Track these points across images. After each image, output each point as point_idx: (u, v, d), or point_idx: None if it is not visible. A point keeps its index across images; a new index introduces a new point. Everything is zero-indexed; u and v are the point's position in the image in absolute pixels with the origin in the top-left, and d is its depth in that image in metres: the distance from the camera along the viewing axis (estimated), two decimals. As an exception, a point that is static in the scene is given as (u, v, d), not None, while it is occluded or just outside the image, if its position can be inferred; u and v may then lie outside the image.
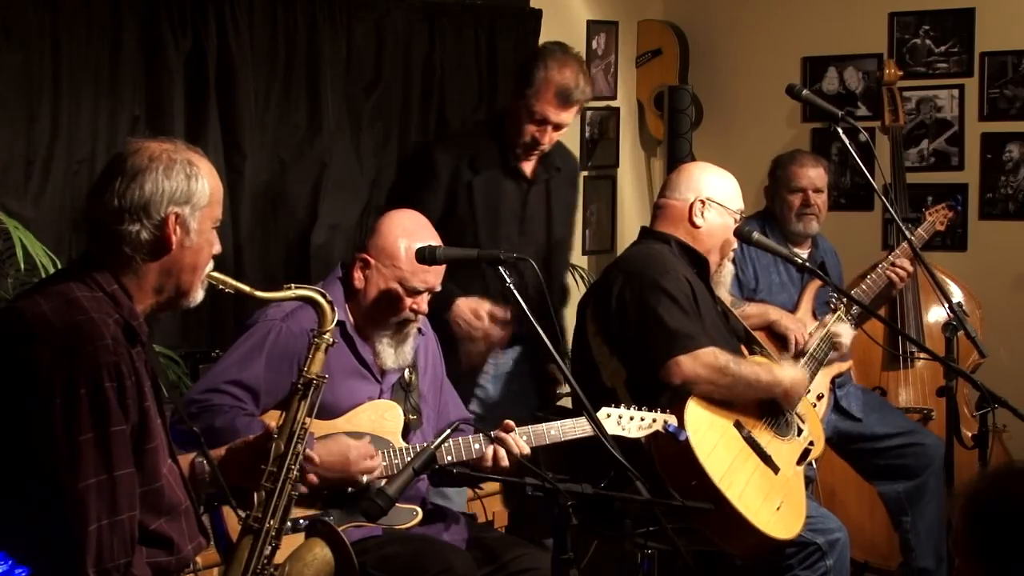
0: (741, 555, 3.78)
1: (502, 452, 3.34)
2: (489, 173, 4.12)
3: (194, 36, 4.56)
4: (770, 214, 4.94)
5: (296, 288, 2.75)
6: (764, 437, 3.82)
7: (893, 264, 4.75)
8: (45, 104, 4.20)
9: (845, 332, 4.22)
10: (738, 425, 3.78)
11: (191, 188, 2.54)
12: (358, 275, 3.41)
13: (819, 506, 4.01)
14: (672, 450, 3.58)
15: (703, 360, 3.67)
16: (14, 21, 4.10)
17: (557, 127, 4.12)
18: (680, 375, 3.66)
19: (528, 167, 4.22)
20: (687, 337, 3.67)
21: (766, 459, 3.76)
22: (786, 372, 3.90)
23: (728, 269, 3.96)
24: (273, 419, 2.77)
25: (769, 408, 3.88)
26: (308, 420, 2.71)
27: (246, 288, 2.67)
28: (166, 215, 2.51)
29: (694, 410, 3.67)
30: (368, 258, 3.40)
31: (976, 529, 1.95)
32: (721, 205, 3.91)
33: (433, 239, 3.42)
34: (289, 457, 2.66)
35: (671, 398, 3.65)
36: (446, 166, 4.08)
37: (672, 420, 3.54)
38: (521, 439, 3.38)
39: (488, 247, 3.96)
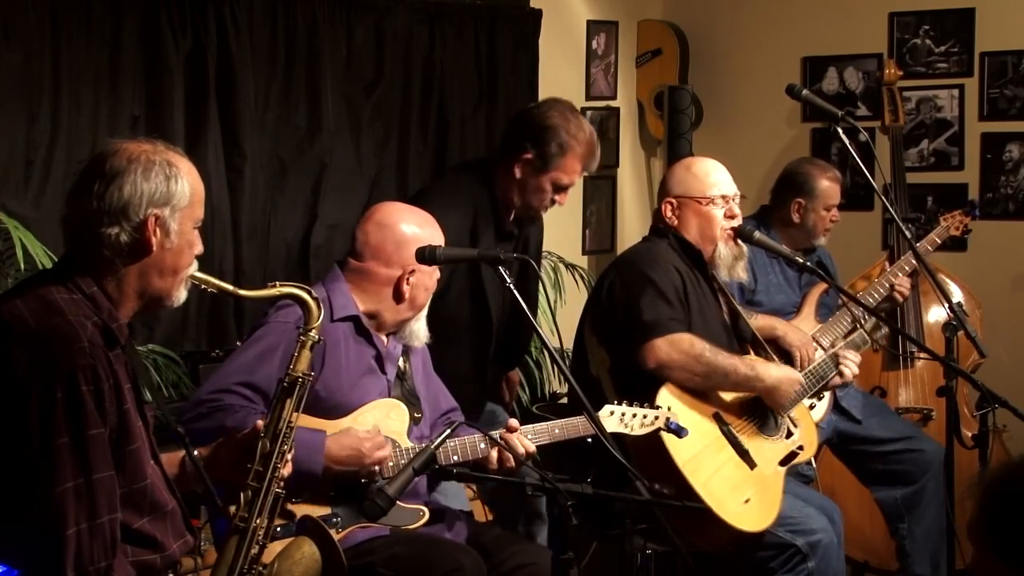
0: (712, 549, 3.76)
1: (506, 453, 3.35)
2: (486, 241, 3.99)
3: (194, 36, 4.56)
4: (771, 217, 4.90)
5: (280, 286, 2.75)
6: (746, 433, 3.83)
7: (892, 281, 4.76)
8: (45, 104, 4.20)
9: (852, 357, 4.19)
10: (717, 417, 3.80)
11: (170, 189, 2.51)
12: (405, 289, 3.45)
13: (804, 506, 3.97)
14: (651, 457, 3.58)
15: (678, 345, 3.71)
16: (14, 21, 4.10)
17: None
18: (655, 359, 3.70)
19: (512, 224, 4.12)
20: (664, 322, 3.73)
21: (743, 453, 3.78)
22: (771, 370, 3.90)
23: (722, 252, 3.95)
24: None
25: (756, 408, 3.88)
26: (295, 417, 2.69)
27: (229, 287, 2.67)
28: (145, 217, 2.49)
29: (665, 396, 3.69)
30: (414, 268, 3.43)
31: (994, 517, 1.95)
32: (688, 197, 3.94)
33: (434, 227, 3.49)
34: (275, 456, 2.65)
35: (649, 385, 3.67)
36: (453, 237, 3.83)
37: (675, 417, 3.55)
38: (526, 439, 3.40)
39: (487, 317, 3.98)
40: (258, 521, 2.63)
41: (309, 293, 2.76)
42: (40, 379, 2.36)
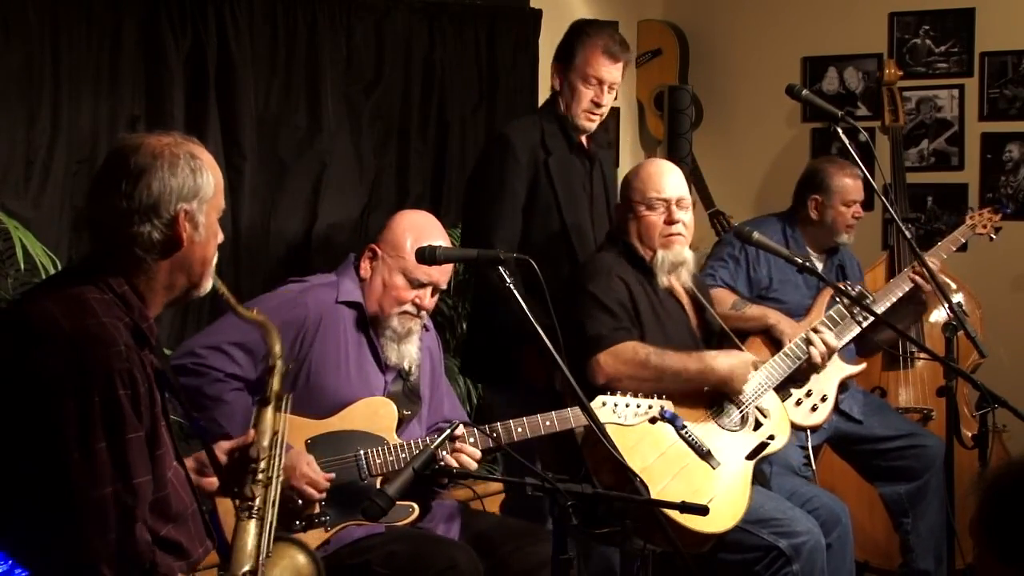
0: (681, 550, 3.73)
1: (464, 458, 3.35)
2: (559, 153, 4.22)
3: (194, 36, 4.56)
4: (796, 216, 4.87)
5: (258, 315, 2.77)
6: (706, 430, 3.78)
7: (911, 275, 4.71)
8: (45, 104, 4.20)
9: (822, 333, 4.11)
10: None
11: (197, 183, 2.51)
12: (364, 265, 3.49)
13: (793, 507, 3.95)
14: (598, 448, 3.54)
15: (622, 356, 3.69)
16: (14, 21, 4.10)
17: (611, 87, 4.27)
18: (602, 374, 3.68)
19: (584, 142, 4.33)
20: (605, 335, 3.71)
21: (703, 455, 3.73)
22: (721, 360, 3.85)
23: (661, 257, 3.92)
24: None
25: (716, 401, 3.86)
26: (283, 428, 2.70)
27: (232, 300, 2.69)
28: (176, 213, 2.48)
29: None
30: (376, 248, 3.49)
31: (992, 516, 1.95)
32: (630, 200, 3.95)
33: (442, 239, 3.49)
34: (275, 458, 2.65)
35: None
36: (524, 151, 4.17)
37: (668, 405, 3.52)
38: (468, 441, 3.39)
39: (571, 225, 4.15)
40: (272, 511, 2.61)
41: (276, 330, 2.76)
42: (77, 383, 2.34)
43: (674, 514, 3.53)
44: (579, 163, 4.28)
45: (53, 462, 2.34)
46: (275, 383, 2.68)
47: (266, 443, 2.63)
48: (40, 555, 2.36)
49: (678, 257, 3.93)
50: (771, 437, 3.89)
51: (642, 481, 2.97)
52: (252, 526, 2.57)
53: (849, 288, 4.16)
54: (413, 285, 3.45)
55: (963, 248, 5.75)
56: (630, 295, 3.81)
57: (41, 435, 2.35)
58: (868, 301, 4.30)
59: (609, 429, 3.51)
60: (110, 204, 2.47)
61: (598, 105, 4.23)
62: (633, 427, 3.60)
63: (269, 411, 2.66)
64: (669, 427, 3.71)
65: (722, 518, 3.67)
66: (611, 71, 4.22)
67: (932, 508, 4.71)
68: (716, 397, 3.87)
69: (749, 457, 3.85)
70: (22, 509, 2.37)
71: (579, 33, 4.25)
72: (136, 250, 2.48)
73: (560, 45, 4.32)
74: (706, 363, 3.82)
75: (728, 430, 3.86)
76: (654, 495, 3.55)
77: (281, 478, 2.67)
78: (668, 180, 3.94)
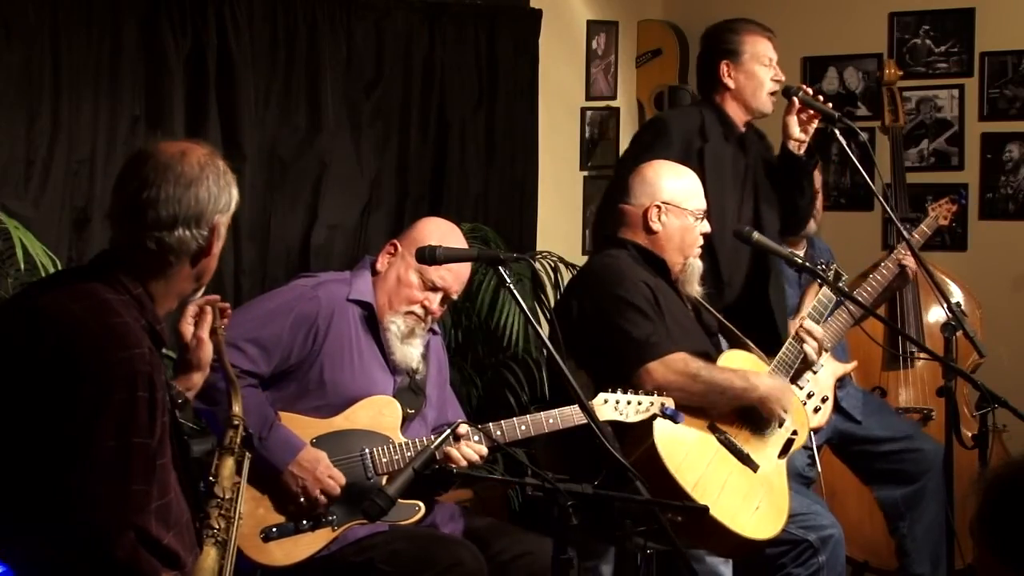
0: (724, 556, 3.77)
1: (468, 451, 3.37)
2: (717, 141, 4.20)
3: (194, 36, 4.56)
4: None
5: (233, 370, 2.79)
6: (742, 436, 3.78)
7: (899, 259, 4.71)
8: (45, 104, 4.21)
9: (812, 330, 4.08)
10: (713, 428, 3.73)
11: (231, 196, 2.57)
12: (383, 259, 3.52)
13: (812, 503, 3.99)
14: (644, 460, 3.53)
15: (673, 366, 3.63)
16: (14, 21, 4.10)
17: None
18: (652, 382, 3.62)
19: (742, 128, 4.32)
20: (654, 344, 3.65)
21: (744, 459, 3.73)
22: (762, 379, 3.82)
23: (694, 265, 3.91)
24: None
25: (747, 411, 3.84)
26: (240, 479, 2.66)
27: (223, 348, 2.75)
28: (214, 224, 2.53)
29: (663, 421, 3.60)
30: (397, 244, 3.52)
31: (991, 516, 1.96)
32: (678, 207, 3.84)
33: (454, 235, 3.52)
34: (235, 502, 2.63)
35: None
36: (679, 134, 4.16)
37: (669, 402, 3.51)
38: (473, 439, 3.39)
39: (714, 212, 4.02)
40: (233, 548, 2.59)
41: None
42: (98, 380, 2.33)
43: (731, 523, 3.57)
44: (736, 153, 4.25)
45: (56, 456, 2.31)
46: (236, 439, 2.66)
47: (228, 485, 2.59)
48: (34, 558, 2.34)
49: (702, 265, 3.94)
50: (794, 432, 3.90)
51: (642, 481, 2.96)
52: (214, 551, 2.55)
53: (825, 271, 4.12)
54: (426, 286, 3.46)
55: (963, 248, 5.79)
56: (655, 298, 3.78)
57: (49, 429, 2.32)
58: (843, 280, 4.28)
59: (663, 448, 3.54)
60: (150, 208, 2.47)
61: (779, 80, 4.30)
62: (679, 445, 3.60)
63: (230, 462, 2.62)
64: (710, 435, 3.71)
65: (770, 523, 3.70)
66: (774, 48, 4.31)
67: (928, 512, 4.71)
68: (746, 409, 3.84)
69: (780, 455, 3.86)
70: (19, 514, 2.35)
71: (728, 31, 4.31)
72: (170, 256, 2.50)
73: (719, 49, 4.29)
74: (749, 381, 3.77)
75: (760, 434, 3.84)
76: (710, 509, 3.55)
77: (241, 519, 2.64)
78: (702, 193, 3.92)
